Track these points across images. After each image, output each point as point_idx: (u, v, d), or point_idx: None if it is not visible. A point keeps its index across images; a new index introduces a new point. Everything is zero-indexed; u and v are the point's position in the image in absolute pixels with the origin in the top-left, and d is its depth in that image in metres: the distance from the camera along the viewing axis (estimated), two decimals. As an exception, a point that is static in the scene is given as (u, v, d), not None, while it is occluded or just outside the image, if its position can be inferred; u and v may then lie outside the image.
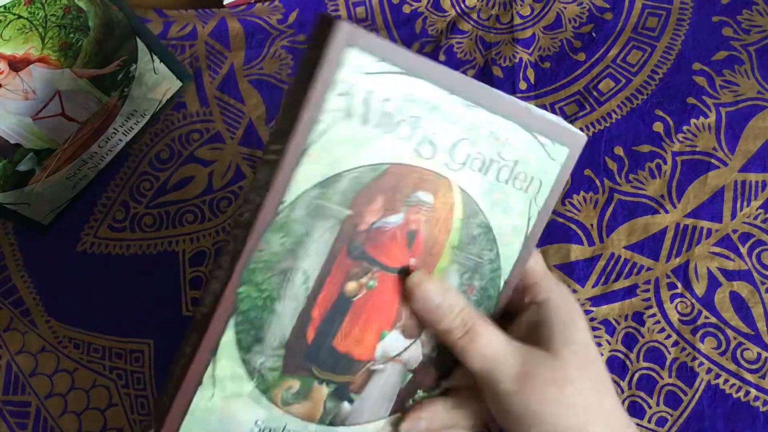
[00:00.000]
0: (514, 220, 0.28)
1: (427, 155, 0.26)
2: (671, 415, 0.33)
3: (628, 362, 0.34)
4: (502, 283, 0.28)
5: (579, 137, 0.28)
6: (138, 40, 0.40)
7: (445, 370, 0.29)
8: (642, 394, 0.34)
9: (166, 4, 0.48)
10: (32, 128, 0.37)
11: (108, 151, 0.43)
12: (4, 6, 0.32)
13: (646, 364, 0.34)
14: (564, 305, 0.28)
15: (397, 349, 0.28)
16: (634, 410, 0.34)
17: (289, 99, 0.25)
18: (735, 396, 0.33)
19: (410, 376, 0.28)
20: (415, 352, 0.28)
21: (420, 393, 0.29)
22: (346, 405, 0.28)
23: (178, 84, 0.44)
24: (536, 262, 0.29)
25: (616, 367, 0.34)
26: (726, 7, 0.41)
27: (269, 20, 0.46)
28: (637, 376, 0.34)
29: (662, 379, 0.34)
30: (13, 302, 0.42)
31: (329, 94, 0.24)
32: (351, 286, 0.27)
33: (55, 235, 0.43)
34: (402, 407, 0.29)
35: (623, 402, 0.34)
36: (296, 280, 0.26)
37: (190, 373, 0.26)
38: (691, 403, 0.33)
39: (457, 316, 0.27)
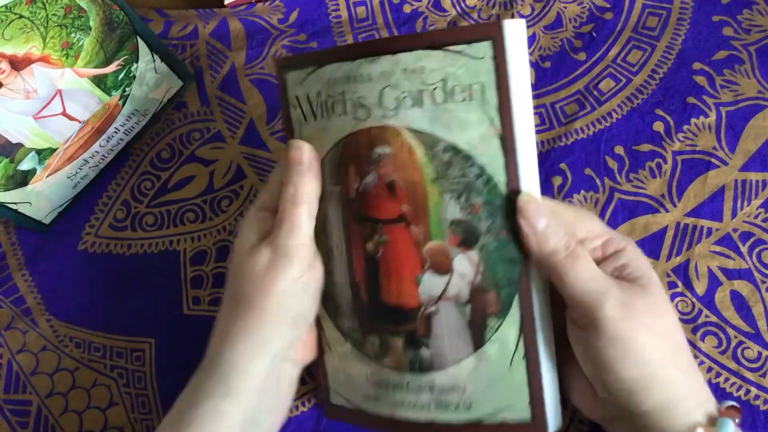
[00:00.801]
0: (475, 129, 0.27)
1: (363, 116, 0.29)
2: (672, 414, 0.33)
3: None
4: (503, 189, 0.28)
5: (498, 25, 0.26)
6: (139, 39, 0.40)
7: (505, 288, 0.29)
8: (642, 393, 0.34)
9: (167, 4, 0.48)
10: (33, 127, 0.37)
11: (109, 151, 0.43)
12: (6, 5, 0.32)
13: (646, 363, 0.34)
14: (640, 252, 0.29)
15: (438, 287, 0.29)
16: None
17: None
18: (735, 395, 0.33)
19: (468, 307, 0.29)
20: (459, 284, 0.29)
21: (493, 319, 0.29)
22: (424, 351, 0.30)
23: (179, 83, 0.44)
24: (597, 225, 0.30)
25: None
26: (726, 7, 0.41)
27: (270, 20, 0.46)
28: (637, 375, 0.34)
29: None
30: (14, 301, 0.42)
31: (290, 113, 0.32)
32: (369, 246, 0.30)
33: (56, 234, 0.43)
34: (482, 340, 0.29)
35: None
36: (336, 254, 0.31)
37: (318, 341, 0.33)
38: (691, 402, 0.33)
39: (562, 237, 0.27)
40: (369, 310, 0.31)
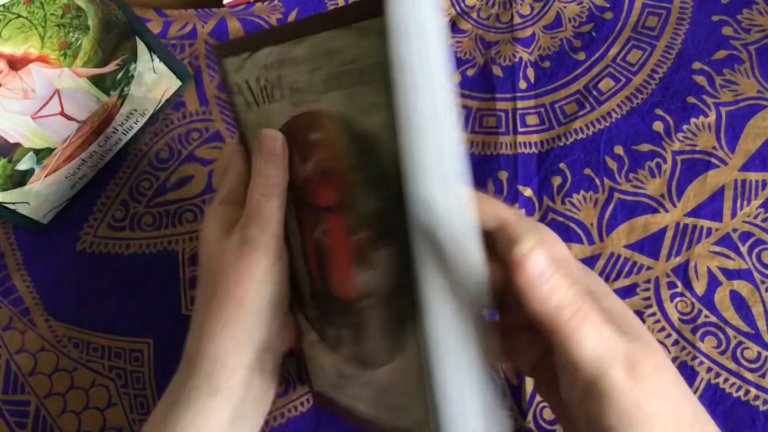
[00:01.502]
0: (382, 114, 0.24)
1: (298, 100, 0.27)
2: (671, 415, 0.33)
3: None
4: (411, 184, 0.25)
5: None
6: (138, 39, 0.40)
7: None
8: (642, 394, 0.34)
9: (165, 4, 0.48)
10: (32, 127, 0.37)
11: (107, 151, 0.43)
12: (4, 5, 0.32)
13: (646, 364, 0.34)
14: (613, 293, 0.25)
15: (367, 281, 0.27)
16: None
17: None
18: (735, 395, 0.33)
19: (392, 305, 0.26)
20: (381, 279, 0.26)
21: (410, 322, 0.25)
22: (365, 346, 0.28)
23: (178, 83, 0.44)
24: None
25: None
26: (726, 7, 0.41)
27: (269, 20, 0.46)
28: (637, 375, 0.34)
29: (662, 378, 0.34)
30: (12, 301, 0.42)
31: (234, 100, 0.31)
32: (316, 233, 0.29)
33: (54, 234, 0.43)
34: (404, 342, 0.26)
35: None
36: (293, 242, 0.30)
37: (298, 328, 0.32)
38: (691, 403, 0.33)
39: (568, 290, 0.22)
40: (323, 300, 0.30)
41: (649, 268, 0.36)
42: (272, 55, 0.28)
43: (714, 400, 0.33)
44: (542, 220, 0.38)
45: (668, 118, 0.39)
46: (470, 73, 0.42)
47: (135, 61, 0.40)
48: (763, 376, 0.33)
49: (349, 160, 0.26)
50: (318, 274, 0.29)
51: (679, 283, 0.36)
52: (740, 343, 0.34)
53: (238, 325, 0.29)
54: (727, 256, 0.36)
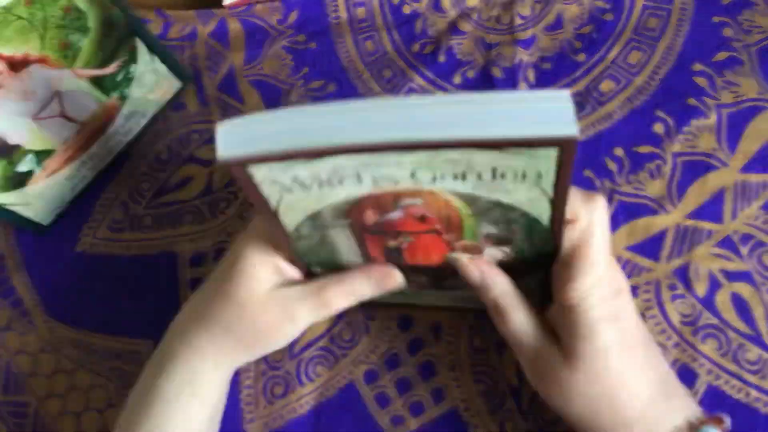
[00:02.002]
0: (524, 194, 0.24)
1: (388, 185, 0.25)
2: (672, 417, 0.33)
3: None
4: (546, 223, 0.26)
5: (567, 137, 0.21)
6: (138, 40, 0.40)
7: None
8: (642, 396, 0.34)
9: (166, 5, 0.48)
10: (32, 129, 0.37)
11: (108, 152, 0.43)
12: (4, 6, 0.32)
13: (646, 366, 0.34)
14: None
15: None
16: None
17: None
18: (736, 397, 0.33)
19: None
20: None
21: None
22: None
23: (178, 84, 0.44)
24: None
25: (617, 368, 0.34)
26: (726, 8, 0.41)
27: (269, 20, 0.46)
28: (637, 377, 0.34)
29: (663, 380, 0.34)
30: (12, 302, 0.42)
31: (262, 190, 0.25)
32: (390, 243, 0.29)
33: (54, 235, 0.43)
34: None
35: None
36: (342, 249, 0.30)
37: None
38: (691, 405, 0.33)
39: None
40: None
41: (649, 270, 0.36)
42: (351, 161, 0.24)
43: (715, 402, 0.33)
44: (542, 221, 0.38)
45: (669, 119, 0.39)
46: (470, 74, 0.42)
47: (135, 62, 0.40)
48: (763, 377, 0.33)
49: (468, 212, 0.26)
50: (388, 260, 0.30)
51: (680, 285, 0.36)
52: (741, 345, 0.34)
53: (234, 357, 0.32)
54: (728, 258, 0.36)
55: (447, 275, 0.30)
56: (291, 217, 0.27)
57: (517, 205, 0.25)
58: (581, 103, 0.40)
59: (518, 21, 0.43)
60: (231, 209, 0.42)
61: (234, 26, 0.46)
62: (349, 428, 0.35)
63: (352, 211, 0.27)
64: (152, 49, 0.41)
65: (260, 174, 0.24)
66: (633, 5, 0.42)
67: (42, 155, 0.39)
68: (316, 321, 0.31)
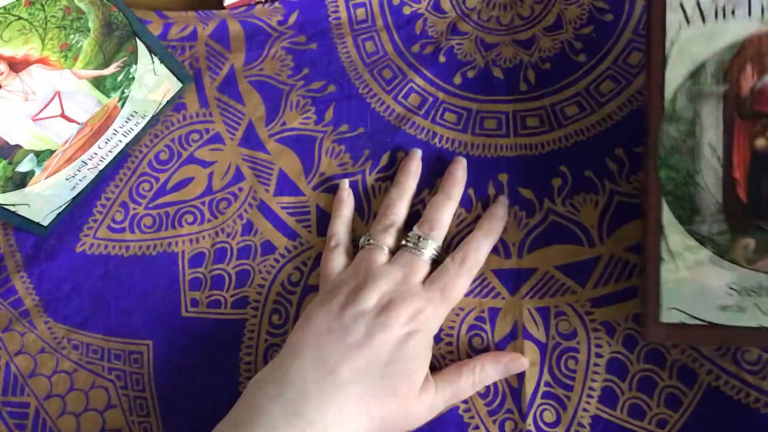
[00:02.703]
0: None
1: None
2: (671, 417, 0.33)
3: (628, 364, 0.34)
4: None
5: None
6: (138, 41, 0.40)
7: None
8: (642, 396, 0.34)
9: (166, 6, 0.48)
10: (32, 129, 0.37)
11: (108, 152, 0.43)
12: (4, 7, 0.32)
13: (646, 366, 0.34)
14: None
15: None
16: (635, 412, 0.34)
17: (645, 27, 0.33)
18: (735, 398, 0.33)
19: None
20: None
21: None
22: None
23: (179, 85, 0.44)
24: None
25: (617, 368, 0.34)
26: (726, 9, 0.41)
27: (269, 21, 0.46)
28: (637, 377, 0.34)
29: (662, 380, 0.34)
30: (12, 303, 0.42)
31: (665, 16, 0.31)
32: (759, 142, 0.30)
33: (54, 235, 0.43)
34: None
35: (624, 403, 0.34)
36: (705, 153, 0.30)
37: (650, 253, 0.31)
38: (691, 405, 0.33)
39: None
40: (747, 208, 0.30)
41: (649, 270, 0.36)
42: None
43: (714, 402, 0.33)
44: (543, 222, 0.38)
45: (669, 120, 0.39)
46: (470, 74, 0.42)
47: (135, 63, 0.40)
48: (763, 378, 0.33)
49: None
50: (748, 182, 0.30)
51: (679, 286, 0.36)
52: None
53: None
54: (728, 259, 0.36)
55: None
56: (677, 67, 0.31)
57: None
58: (581, 104, 0.40)
59: (518, 21, 0.43)
60: (231, 209, 0.42)
61: (234, 27, 0.46)
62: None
63: (733, 68, 0.30)
64: (152, 49, 0.41)
65: None
66: (633, 6, 0.42)
67: (42, 156, 0.39)
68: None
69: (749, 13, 0.30)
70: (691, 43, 0.31)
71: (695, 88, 0.30)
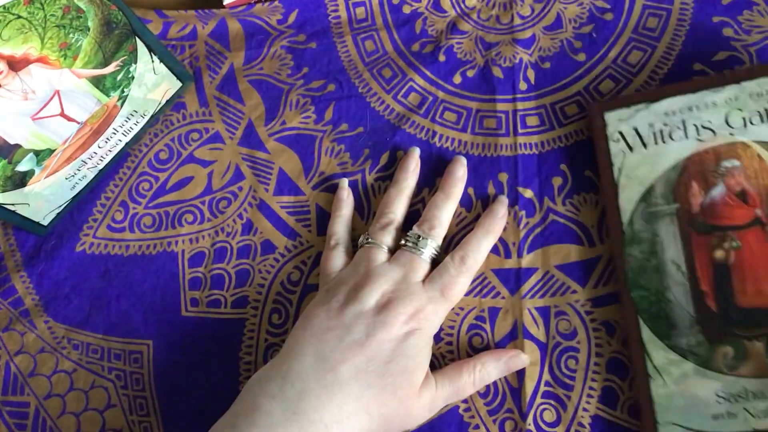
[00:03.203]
0: None
1: (707, 137, 0.32)
2: (672, 417, 0.33)
3: (628, 364, 0.34)
4: None
5: None
6: (138, 40, 0.40)
7: None
8: (642, 396, 0.34)
9: (165, 5, 0.48)
10: (32, 128, 0.37)
11: (107, 152, 0.43)
12: (4, 6, 0.32)
13: (646, 366, 0.34)
14: None
15: None
16: (635, 412, 0.34)
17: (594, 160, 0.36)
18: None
19: None
20: None
21: None
22: None
23: (178, 84, 0.44)
24: None
25: (617, 368, 0.34)
26: (727, 8, 0.41)
27: (269, 20, 0.46)
28: (637, 377, 0.34)
29: (663, 380, 0.34)
30: (12, 302, 0.42)
31: (610, 145, 0.34)
32: (718, 254, 0.31)
33: (54, 235, 0.43)
34: None
35: (624, 403, 0.34)
36: (670, 270, 0.32)
37: (637, 371, 0.32)
38: (691, 405, 0.33)
39: None
40: (719, 318, 0.31)
41: (649, 269, 0.36)
42: (679, 103, 0.34)
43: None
44: (543, 221, 0.38)
45: (669, 119, 0.39)
46: (470, 74, 0.42)
47: (135, 62, 0.40)
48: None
49: None
50: (715, 293, 0.31)
51: (679, 285, 0.36)
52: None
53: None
54: (728, 258, 0.36)
55: None
56: (628, 192, 0.33)
57: None
58: (581, 104, 0.40)
59: (518, 21, 0.43)
60: (230, 208, 0.42)
61: (234, 26, 0.46)
62: None
63: (679, 188, 0.32)
64: (152, 48, 0.41)
65: (611, 120, 0.34)
66: (633, 5, 0.42)
67: (42, 155, 0.39)
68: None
69: (686, 135, 0.33)
70: (637, 168, 0.33)
71: (649, 210, 0.32)
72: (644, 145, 0.34)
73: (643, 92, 0.36)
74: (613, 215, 0.34)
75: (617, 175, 0.34)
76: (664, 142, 0.33)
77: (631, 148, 0.34)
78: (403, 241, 0.36)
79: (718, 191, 0.32)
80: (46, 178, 0.40)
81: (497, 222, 0.37)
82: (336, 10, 0.46)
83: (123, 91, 0.41)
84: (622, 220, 0.33)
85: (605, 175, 0.34)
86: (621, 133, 0.34)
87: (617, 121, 0.35)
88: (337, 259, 0.37)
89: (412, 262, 0.35)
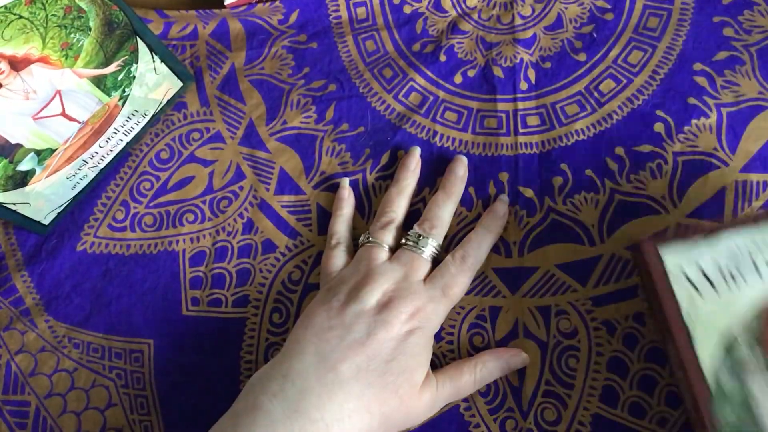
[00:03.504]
0: None
1: None
2: (672, 415, 0.33)
3: (629, 363, 0.34)
4: None
5: None
6: (139, 40, 0.40)
7: None
8: (643, 395, 0.34)
9: (167, 5, 0.48)
10: (33, 128, 0.37)
11: (108, 151, 0.43)
12: (5, 6, 0.32)
13: (647, 365, 0.34)
14: None
15: None
16: (635, 410, 0.34)
17: (653, 310, 0.32)
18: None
19: None
20: None
21: None
22: None
23: (179, 84, 0.44)
24: None
25: (618, 367, 0.34)
26: (727, 8, 0.41)
27: (270, 20, 0.46)
28: (638, 376, 0.34)
29: (663, 379, 0.34)
30: (12, 302, 0.42)
31: (674, 294, 0.29)
32: None
33: (55, 234, 0.43)
34: None
35: (624, 402, 0.34)
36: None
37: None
38: (692, 404, 0.33)
39: None
40: None
41: (650, 269, 0.36)
42: (741, 239, 0.30)
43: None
44: (543, 221, 0.38)
45: (669, 119, 0.39)
46: (471, 74, 0.42)
47: (136, 62, 0.40)
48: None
49: None
50: None
51: (680, 285, 0.36)
52: (742, 344, 0.34)
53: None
54: (729, 258, 0.36)
55: None
56: (704, 342, 0.29)
57: None
58: (582, 103, 0.40)
59: (519, 21, 0.43)
60: (231, 208, 0.42)
61: (235, 26, 0.46)
62: None
63: (764, 337, 0.28)
64: (153, 48, 0.41)
65: (670, 259, 0.29)
66: (633, 5, 0.42)
67: (43, 154, 0.39)
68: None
69: (759, 275, 0.29)
70: (712, 317, 0.29)
71: (735, 364, 0.29)
72: (715, 289, 0.29)
73: (695, 225, 0.32)
74: (694, 371, 0.29)
75: (688, 322, 0.29)
76: (737, 284, 0.29)
77: (700, 293, 0.30)
78: (403, 240, 0.37)
79: None
80: (47, 177, 0.40)
81: (498, 221, 0.37)
82: (337, 10, 0.46)
83: (124, 91, 0.41)
84: (705, 377, 0.29)
85: (675, 322, 0.30)
86: (686, 275, 0.30)
87: (677, 259, 0.30)
88: (338, 259, 0.37)
89: (413, 261, 0.35)
